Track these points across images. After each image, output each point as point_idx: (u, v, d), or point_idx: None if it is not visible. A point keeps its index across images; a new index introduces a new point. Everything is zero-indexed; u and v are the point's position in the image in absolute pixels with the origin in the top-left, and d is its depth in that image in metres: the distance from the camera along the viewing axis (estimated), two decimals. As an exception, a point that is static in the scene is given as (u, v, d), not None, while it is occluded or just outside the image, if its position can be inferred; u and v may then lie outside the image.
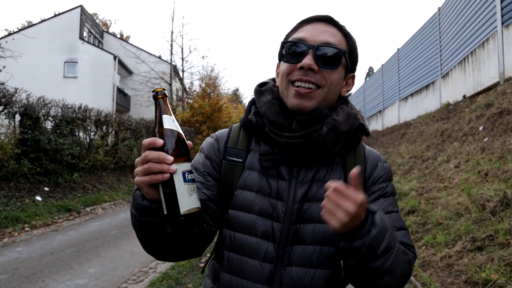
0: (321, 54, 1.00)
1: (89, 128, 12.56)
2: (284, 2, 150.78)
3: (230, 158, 1.08)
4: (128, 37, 48.37)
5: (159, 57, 25.51)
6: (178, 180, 0.83)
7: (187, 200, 0.84)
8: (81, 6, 25.86)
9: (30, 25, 27.38)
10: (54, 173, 10.13)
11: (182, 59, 24.69)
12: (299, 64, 0.99)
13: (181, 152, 0.85)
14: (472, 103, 8.65)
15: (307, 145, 1.01)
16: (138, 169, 0.84)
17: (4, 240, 6.53)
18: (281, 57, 1.07)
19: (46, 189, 9.56)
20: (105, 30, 32.90)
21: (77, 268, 5.09)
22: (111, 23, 49.22)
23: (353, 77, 1.14)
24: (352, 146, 1.09)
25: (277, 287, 0.99)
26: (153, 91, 0.90)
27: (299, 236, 1.00)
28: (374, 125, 18.96)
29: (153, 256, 1.04)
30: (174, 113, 23.75)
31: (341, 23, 1.09)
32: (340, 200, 0.82)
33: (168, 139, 0.84)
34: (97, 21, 35.54)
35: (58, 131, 10.68)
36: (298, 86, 1.01)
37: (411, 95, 13.78)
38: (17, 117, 9.52)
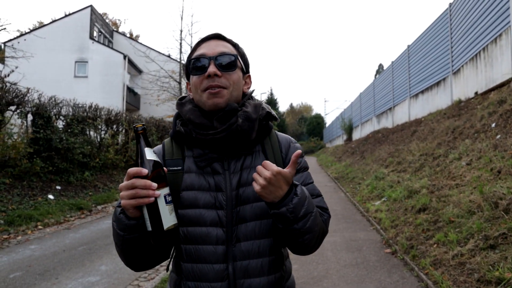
0: (220, 62, 1.22)
1: (99, 127, 12.68)
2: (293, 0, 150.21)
3: (171, 168, 1.23)
4: (137, 36, 48.65)
5: (169, 56, 25.55)
6: (161, 203, 1.01)
7: (168, 218, 1.02)
8: (91, 6, 26.05)
9: (41, 25, 27.67)
10: (65, 172, 10.25)
11: (191, 57, 24.69)
12: (206, 73, 1.19)
13: (161, 179, 1.02)
14: (484, 99, 8.53)
15: (229, 137, 1.18)
16: (124, 193, 1.01)
17: (18, 238, 6.63)
18: (190, 72, 1.26)
19: (58, 187, 9.68)
20: (115, 29, 33.12)
21: (89, 266, 5.15)
22: (120, 23, 49.52)
23: (249, 76, 1.37)
24: (267, 133, 1.30)
25: (232, 262, 1.16)
26: (134, 127, 1.06)
27: (240, 216, 1.18)
28: (384, 123, 18.81)
29: (132, 269, 1.23)
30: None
31: (229, 37, 1.31)
32: (260, 170, 1.06)
33: (150, 168, 1.00)
34: (107, 20, 35.77)
35: (69, 130, 10.80)
36: (209, 90, 1.20)
37: (422, 92, 13.64)
38: (29, 117, 9.66)
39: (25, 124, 9.64)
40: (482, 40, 9.13)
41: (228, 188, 1.20)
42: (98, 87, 23.90)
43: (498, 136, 6.23)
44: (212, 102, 1.20)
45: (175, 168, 1.24)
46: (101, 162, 12.01)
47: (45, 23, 27.73)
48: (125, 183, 1.01)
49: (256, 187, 1.06)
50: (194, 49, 1.29)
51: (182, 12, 32.59)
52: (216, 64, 1.21)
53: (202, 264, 1.17)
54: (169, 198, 1.03)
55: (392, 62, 17.66)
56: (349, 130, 27.53)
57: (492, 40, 8.60)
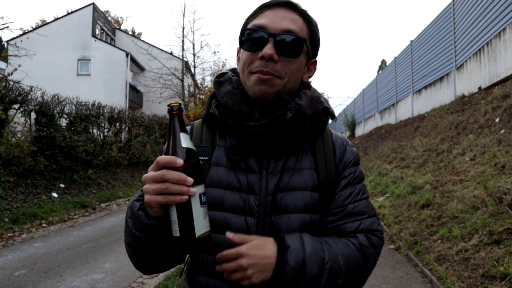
0: (281, 43, 0.97)
1: (102, 125, 12.70)
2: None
3: None
4: (140, 34, 48.69)
5: (171, 53, 25.61)
6: (195, 203, 0.81)
7: (202, 223, 0.82)
8: (93, 4, 26.07)
9: (44, 23, 27.73)
10: (69, 170, 10.29)
11: (194, 55, 24.74)
12: (260, 54, 0.96)
13: (197, 173, 0.83)
14: (488, 94, 8.48)
15: (272, 132, 0.98)
16: (150, 187, 0.80)
17: (23, 236, 6.67)
18: (241, 45, 1.03)
19: (62, 185, 9.71)
20: (117, 27, 33.13)
21: (93, 263, 5.17)
22: (123, 20, 49.56)
23: (315, 62, 1.12)
24: (319, 131, 1.07)
25: None
26: (168, 105, 0.86)
27: (274, 228, 0.98)
28: (387, 119, 18.75)
29: (142, 271, 1.04)
30: (186, 108, 23.90)
31: (303, 7, 1.04)
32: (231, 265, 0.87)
33: (184, 158, 0.81)
34: (109, 18, 35.81)
35: (72, 128, 10.82)
36: (259, 73, 0.98)
37: (425, 87, 13.58)
38: (33, 115, 9.68)
39: (29, 122, 9.67)
40: (486, 35, 9.07)
41: (263, 191, 0.99)
42: (101, 85, 23.96)
43: (502, 131, 6.20)
44: (260, 89, 0.98)
45: (202, 157, 1.01)
46: (104, 160, 12.04)
47: (48, 21, 27.77)
48: (152, 173, 0.80)
49: (246, 282, 0.86)
50: (254, 14, 1.04)
51: (184, 9, 32.69)
52: (276, 45, 0.96)
53: (219, 280, 0.97)
54: (204, 199, 0.83)
55: (395, 58, 17.58)
56: (352, 126, 27.47)
57: (496, 34, 8.54)
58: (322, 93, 1.14)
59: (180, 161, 0.79)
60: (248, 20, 1.04)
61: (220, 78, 1.09)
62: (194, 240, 0.81)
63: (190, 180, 0.79)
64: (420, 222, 5.41)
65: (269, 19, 0.98)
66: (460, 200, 5.07)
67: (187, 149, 0.82)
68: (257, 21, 1.00)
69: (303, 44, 1.00)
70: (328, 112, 1.07)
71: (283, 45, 0.97)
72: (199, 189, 0.82)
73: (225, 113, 1.02)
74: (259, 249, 0.89)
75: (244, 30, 1.01)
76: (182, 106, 0.87)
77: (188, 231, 0.81)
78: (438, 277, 3.91)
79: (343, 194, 1.05)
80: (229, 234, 0.89)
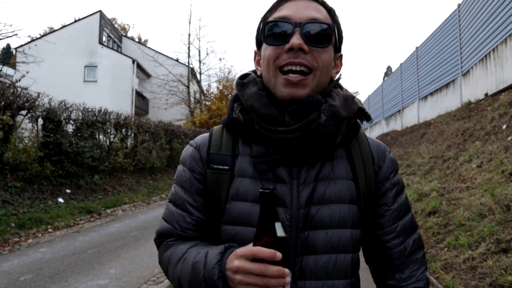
0: (309, 32, 0.88)
1: (108, 131, 12.78)
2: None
3: (215, 166, 0.95)
4: (146, 40, 49.08)
5: (177, 60, 25.80)
6: None
7: None
8: (100, 11, 26.36)
9: (52, 31, 28.08)
10: (75, 176, 10.34)
11: (200, 61, 24.94)
12: (288, 46, 0.87)
13: (288, 260, 0.78)
14: (494, 101, 8.44)
15: (306, 138, 0.89)
16: (246, 280, 0.75)
17: (29, 241, 6.70)
18: (264, 40, 0.93)
19: (68, 191, 9.76)
20: (123, 34, 33.45)
21: (98, 269, 5.17)
22: (129, 28, 50.00)
23: (341, 56, 1.02)
24: (354, 134, 0.98)
25: None
26: (260, 189, 0.77)
27: (309, 245, 0.90)
28: (393, 125, 18.70)
29: None
30: (191, 115, 23.97)
31: None
32: None
33: (281, 250, 0.76)
34: (116, 25, 36.15)
35: (79, 134, 10.90)
36: (287, 73, 0.89)
37: (431, 94, 13.55)
38: (40, 121, 9.76)
39: (36, 128, 9.75)
40: (492, 41, 9.05)
41: (295, 204, 0.90)
42: (107, 91, 24.14)
43: (509, 138, 6.15)
44: (289, 93, 0.89)
45: (220, 167, 0.94)
46: (110, 166, 12.09)
47: (55, 28, 28.12)
48: (249, 267, 0.74)
49: None
50: (273, 8, 0.95)
51: (190, 16, 32.89)
52: (303, 34, 0.88)
53: None
54: (292, 284, 0.80)
55: (401, 64, 17.57)
56: (357, 132, 27.40)
57: (502, 40, 8.51)
58: (356, 92, 1.03)
59: (280, 255, 0.73)
60: (266, 15, 0.97)
61: (244, 80, 1.00)
62: None
63: (287, 272, 0.75)
64: (426, 230, 5.37)
65: (292, 10, 0.91)
66: (467, 207, 5.03)
67: (283, 239, 0.77)
68: (278, 13, 0.92)
69: (333, 32, 0.92)
70: (363, 113, 0.98)
71: (312, 34, 0.89)
72: (290, 275, 0.78)
73: (250, 118, 0.94)
74: None
75: (265, 23, 0.93)
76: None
77: None
78: (445, 285, 3.87)
79: (393, 209, 1.00)
80: None
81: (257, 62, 1.02)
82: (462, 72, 11.04)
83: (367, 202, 0.96)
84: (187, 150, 1.03)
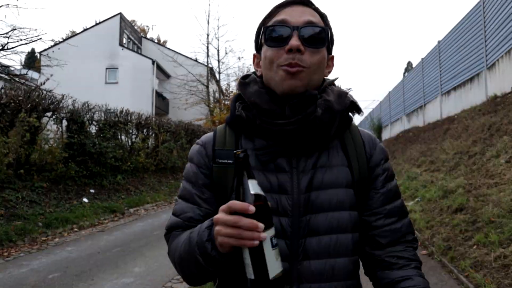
0: (305, 34, 0.98)
1: (130, 131, 12.97)
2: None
3: (221, 160, 1.03)
4: (165, 41, 49.57)
5: (196, 60, 25.98)
6: (267, 247, 0.83)
7: (275, 264, 0.85)
8: (120, 13, 26.78)
9: (74, 34, 28.68)
10: (99, 176, 10.53)
11: (218, 61, 25.02)
12: (287, 47, 0.96)
13: (267, 217, 0.84)
14: (522, 94, 8.17)
15: (303, 130, 0.98)
16: (223, 230, 0.82)
17: (56, 240, 6.85)
18: (264, 42, 1.03)
19: (92, 191, 9.95)
20: (143, 35, 33.92)
21: (123, 267, 5.24)
22: (148, 29, 50.57)
23: (333, 58, 1.12)
24: (347, 126, 1.07)
25: (296, 284, 0.96)
26: (234, 153, 0.87)
27: (311, 227, 0.98)
28: (415, 121, 18.34)
29: (190, 284, 1.06)
30: (211, 114, 24.09)
31: (317, 5, 1.07)
32: None
33: (257, 206, 0.83)
34: (136, 27, 36.64)
35: (101, 135, 11.09)
36: (286, 67, 0.98)
37: (454, 88, 13.21)
38: (64, 122, 9.98)
39: (60, 129, 9.97)
40: (519, 33, 8.75)
41: (296, 191, 0.99)
42: (128, 93, 24.49)
43: (540, 132, 5.94)
44: (289, 84, 0.97)
45: (226, 161, 1.03)
46: (132, 166, 12.27)
47: (77, 32, 28.71)
48: (225, 218, 0.81)
49: None
50: (271, 14, 1.05)
51: (209, 16, 33.17)
52: (300, 37, 0.97)
53: None
54: (275, 241, 0.85)
55: (422, 59, 17.20)
56: (378, 130, 27.04)
57: (530, 32, 8.22)
58: (349, 89, 1.12)
59: (252, 209, 0.80)
60: (265, 21, 1.06)
61: (246, 79, 1.10)
62: (268, 282, 0.84)
63: (261, 226, 0.81)
64: (453, 227, 5.23)
65: (289, 15, 1.00)
66: (496, 204, 4.88)
67: (256, 195, 0.84)
68: (277, 18, 1.02)
69: (327, 34, 1.02)
70: (354, 106, 1.07)
71: (308, 36, 0.98)
72: (270, 233, 0.84)
73: (252, 114, 1.02)
74: None
75: (266, 27, 1.02)
76: (247, 153, 0.89)
77: (262, 274, 0.84)
78: (475, 284, 3.76)
79: (382, 193, 1.06)
80: None
81: (257, 64, 1.12)
82: (487, 65, 10.72)
83: (361, 186, 1.04)
84: (194, 148, 1.12)
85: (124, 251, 6.09)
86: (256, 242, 0.80)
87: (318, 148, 1.03)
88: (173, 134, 15.57)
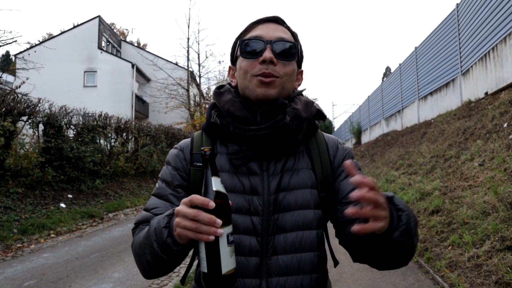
0: (278, 48, 1.07)
1: (109, 135, 12.79)
2: (299, 5, 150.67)
3: (198, 164, 1.11)
4: (145, 45, 49.10)
5: (176, 64, 25.75)
6: (222, 243, 0.87)
7: (228, 261, 0.88)
8: (99, 16, 26.40)
9: (51, 37, 28.11)
10: (77, 180, 10.34)
11: (199, 64, 24.89)
12: (261, 58, 1.05)
13: (226, 214, 0.88)
14: (494, 100, 8.44)
15: (273, 135, 1.05)
16: (182, 222, 0.85)
17: (32, 246, 6.68)
18: (240, 54, 1.11)
19: (70, 196, 9.75)
20: (122, 39, 33.48)
21: (102, 273, 5.16)
22: (128, 32, 50.06)
23: (302, 72, 1.23)
24: (312, 133, 1.16)
25: (266, 278, 1.02)
26: (201, 150, 0.91)
27: (279, 225, 1.05)
28: (393, 125, 18.70)
29: (146, 277, 1.08)
30: (192, 118, 23.95)
31: (288, 23, 1.18)
32: (372, 195, 0.80)
33: (217, 202, 0.86)
34: (115, 30, 36.19)
35: (80, 139, 10.91)
36: (261, 76, 1.06)
37: (431, 93, 13.55)
38: (41, 126, 9.77)
39: (37, 134, 9.75)
40: (491, 40, 9.06)
41: (266, 192, 1.06)
42: (107, 96, 24.15)
43: (511, 136, 6.15)
44: (262, 92, 1.06)
45: (201, 164, 1.04)
46: (111, 170, 12.09)
47: (55, 34, 28.15)
48: (185, 210, 0.84)
49: (380, 224, 0.81)
50: (247, 30, 1.14)
51: (189, 20, 32.88)
52: (273, 50, 1.07)
53: None
54: (231, 238, 0.89)
55: (400, 65, 17.58)
56: (357, 133, 27.41)
57: (502, 39, 8.52)
58: (315, 99, 1.24)
59: (212, 204, 0.83)
60: (241, 36, 1.15)
61: (220, 89, 1.18)
62: (220, 277, 0.88)
63: (219, 222, 0.84)
64: (430, 229, 5.36)
65: (263, 31, 1.10)
66: (470, 206, 5.02)
67: (217, 192, 0.88)
68: (252, 33, 1.11)
69: (297, 49, 1.12)
70: (320, 115, 1.16)
71: (279, 50, 1.08)
72: (227, 230, 0.87)
73: (226, 121, 1.10)
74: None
75: (242, 41, 1.11)
76: (213, 150, 0.93)
77: (215, 268, 0.87)
78: (450, 284, 3.86)
79: (346, 183, 1.12)
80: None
81: (232, 76, 1.21)
82: (461, 71, 11.05)
83: (324, 187, 1.12)
84: (172, 152, 1.18)
85: (103, 256, 6.00)
86: (212, 237, 0.83)
87: (286, 152, 1.11)
88: (153, 138, 15.43)
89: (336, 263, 1.20)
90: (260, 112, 1.07)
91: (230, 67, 1.22)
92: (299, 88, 1.23)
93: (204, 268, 0.88)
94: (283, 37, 1.10)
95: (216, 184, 0.89)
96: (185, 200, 0.86)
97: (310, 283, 1.05)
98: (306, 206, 1.07)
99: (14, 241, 6.64)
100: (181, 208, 0.86)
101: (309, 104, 1.14)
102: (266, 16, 1.15)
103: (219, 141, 1.14)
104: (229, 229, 0.88)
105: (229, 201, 0.90)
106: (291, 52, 1.10)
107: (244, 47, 1.10)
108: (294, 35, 1.16)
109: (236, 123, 1.08)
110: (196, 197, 0.84)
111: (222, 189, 0.89)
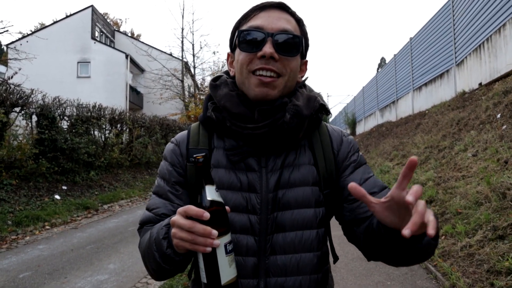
0: (280, 42, 0.98)
1: (103, 126, 12.71)
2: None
3: None
4: (139, 35, 48.71)
5: (170, 54, 25.63)
6: (220, 253, 0.85)
7: (228, 271, 0.86)
8: (92, 6, 26.10)
9: (43, 27, 27.75)
10: (71, 172, 10.30)
11: (193, 55, 24.79)
12: (260, 53, 0.97)
13: (223, 223, 0.86)
14: (488, 90, 8.48)
15: (272, 134, 1.00)
16: (178, 233, 0.83)
17: (26, 238, 6.68)
18: (238, 46, 1.03)
19: (64, 187, 9.72)
20: (116, 29, 33.16)
21: (97, 264, 5.17)
22: (122, 22, 49.55)
23: (306, 62, 1.13)
24: (315, 127, 1.09)
25: (264, 278, 0.99)
26: (193, 157, 0.88)
27: (278, 224, 1.00)
28: (388, 116, 18.75)
29: (156, 279, 1.07)
30: (186, 109, 23.86)
31: (293, 9, 1.06)
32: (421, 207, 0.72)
33: (212, 212, 0.83)
34: (108, 20, 35.80)
35: (74, 130, 10.84)
36: (259, 75, 0.98)
37: (425, 84, 13.58)
38: (34, 118, 9.69)
39: (30, 125, 9.68)
40: (486, 31, 9.07)
41: (264, 189, 1.01)
42: (101, 87, 23.98)
43: (504, 127, 6.19)
44: (261, 92, 0.99)
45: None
46: (106, 162, 12.05)
47: (47, 24, 27.79)
48: (180, 221, 0.82)
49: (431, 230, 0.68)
50: (246, 16, 1.05)
51: (183, 10, 32.71)
52: (275, 44, 0.97)
53: None
54: (230, 247, 0.86)
55: (395, 55, 17.58)
56: (352, 124, 27.49)
57: (496, 30, 8.53)
58: (319, 93, 1.14)
59: (207, 215, 0.80)
60: (241, 22, 1.06)
61: (216, 81, 1.10)
62: (219, 287, 0.86)
63: (215, 233, 0.81)
64: (423, 219, 5.41)
65: (265, 20, 1.00)
66: (463, 196, 5.07)
67: (212, 201, 0.85)
68: (253, 23, 1.01)
69: (301, 42, 1.02)
70: (323, 108, 1.08)
71: (282, 44, 0.98)
72: (224, 240, 0.85)
73: (222, 116, 1.04)
74: None
75: (240, 31, 1.02)
76: (207, 155, 0.90)
77: (214, 279, 0.85)
78: (443, 273, 3.91)
79: (352, 179, 1.06)
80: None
81: (230, 64, 1.12)
82: (456, 62, 11.06)
83: (328, 183, 1.06)
84: (169, 147, 1.13)
85: (98, 248, 6.00)
86: (209, 249, 0.81)
87: (287, 148, 1.04)
88: (148, 129, 15.37)
89: (336, 259, 1.17)
90: (258, 111, 1.00)
91: (228, 54, 1.14)
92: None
93: (204, 278, 0.86)
94: (286, 28, 1.00)
95: (210, 193, 0.86)
96: (180, 210, 0.83)
97: (309, 283, 1.01)
98: (307, 204, 1.02)
99: (8, 233, 6.63)
100: (177, 218, 0.83)
101: (312, 99, 1.06)
102: (269, 1, 1.04)
103: (216, 134, 1.08)
104: (226, 238, 0.85)
105: (227, 208, 0.87)
106: (295, 45, 1.01)
107: (243, 38, 1.01)
108: (300, 22, 1.06)
109: (232, 119, 1.02)
110: (190, 208, 0.81)
111: (217, 198, 0.86)
